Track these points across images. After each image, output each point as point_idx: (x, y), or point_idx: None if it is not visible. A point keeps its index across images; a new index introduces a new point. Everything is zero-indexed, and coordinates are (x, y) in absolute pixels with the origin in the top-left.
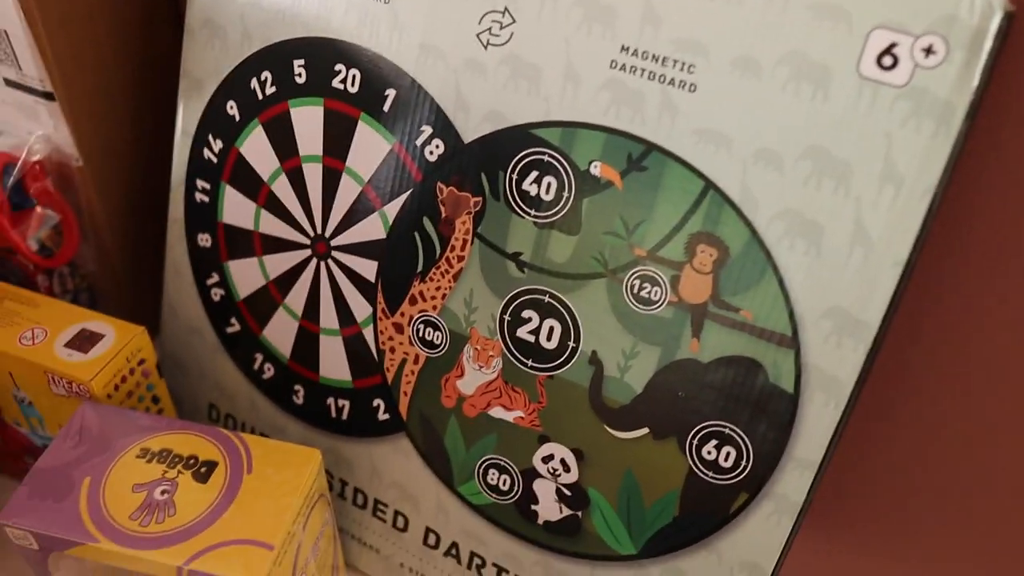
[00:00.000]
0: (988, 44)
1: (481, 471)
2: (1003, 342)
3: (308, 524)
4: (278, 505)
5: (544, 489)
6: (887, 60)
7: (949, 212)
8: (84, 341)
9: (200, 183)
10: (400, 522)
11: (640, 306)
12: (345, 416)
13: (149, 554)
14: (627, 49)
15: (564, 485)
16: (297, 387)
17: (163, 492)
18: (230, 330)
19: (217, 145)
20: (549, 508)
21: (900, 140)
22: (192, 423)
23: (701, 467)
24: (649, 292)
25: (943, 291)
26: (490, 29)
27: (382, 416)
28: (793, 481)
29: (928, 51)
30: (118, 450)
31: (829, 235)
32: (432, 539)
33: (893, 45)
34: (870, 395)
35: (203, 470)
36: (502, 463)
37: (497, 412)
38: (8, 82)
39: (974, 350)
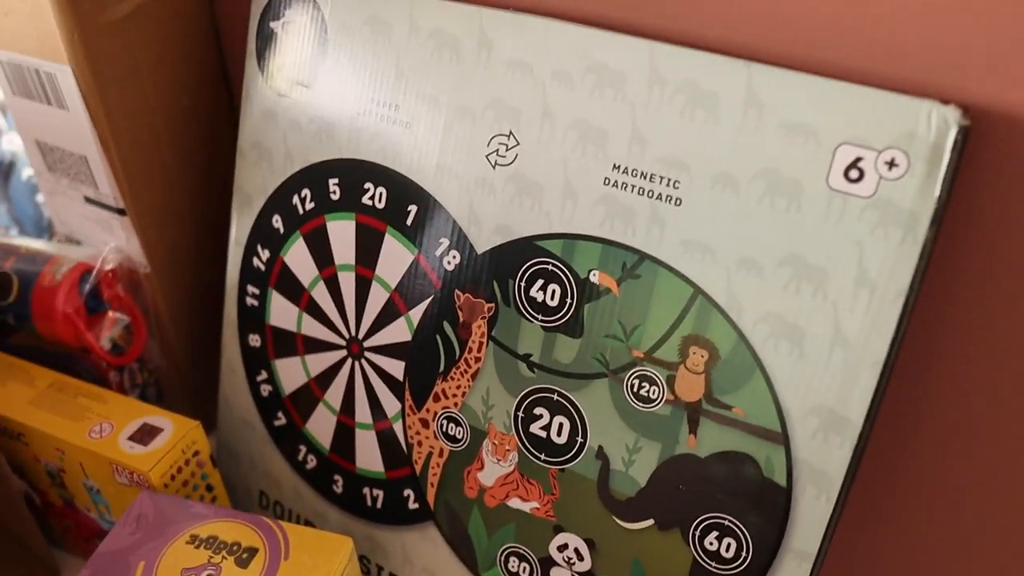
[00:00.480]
0: (946, 157)
1: (503, 559)
2: (987, 435)
3: None
4: None
5: None
6: (854, 173)
7: (927, 311)
8: (145, 435)
9: (250, 288)
10: None
11: (640, 404)
12: (379, 505)
13: None
14: (618, 167)
15: (579, 574)
16: (337, 477)
17: None
18: (277, 423)
19: (265, 254)
20: None
21: (870, 247)
22: (238, 512)
23: (705, 558)
24: (648, 391)
25: (929, 383)
26: (497, 151)
27: (412, 505)
28: (791, 572)
29: (891, 164)
30: (170, 536)
31: (810, 337)
32: None
33: (859, 159)
34: (868, 483)
35: (244, 556)
36: (521, 551)
37: (515, 503)
38: (88, 199)
39: (957, 448)
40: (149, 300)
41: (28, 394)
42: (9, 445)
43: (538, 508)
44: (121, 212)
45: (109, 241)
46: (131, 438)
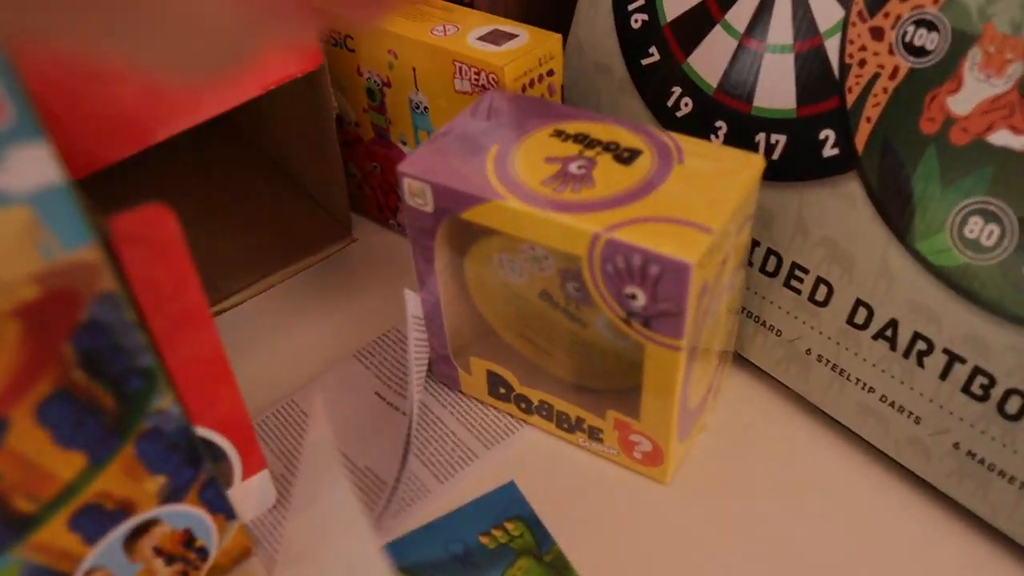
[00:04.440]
0: None
1: (958, 221)
2: None
3: (738, 239)
4: (714, 195)
5: None
6: None
7: None
8: (498, 37)
9: None
10: (820, 293)
11: None
12: (777, 155)
13: (561, 217)
14: None
15: None
16: (719, 123)
17: (580, 167)
18: (646, 61)
19: None
20: None
21: None
22: (617, 118)
23: None
24: None
25: None
26: None
27: (828, 152)
28: None
29: None
30: (531, 128)
31: None
32: (861, 316)
33: None
34: None
35: (626, 155)
36: (992, 208)
37: (1001, 137)
38: None
39: None
40: None
41: None
42: (332, 53)
43: None
44: None
45: None
46: (481, 39)
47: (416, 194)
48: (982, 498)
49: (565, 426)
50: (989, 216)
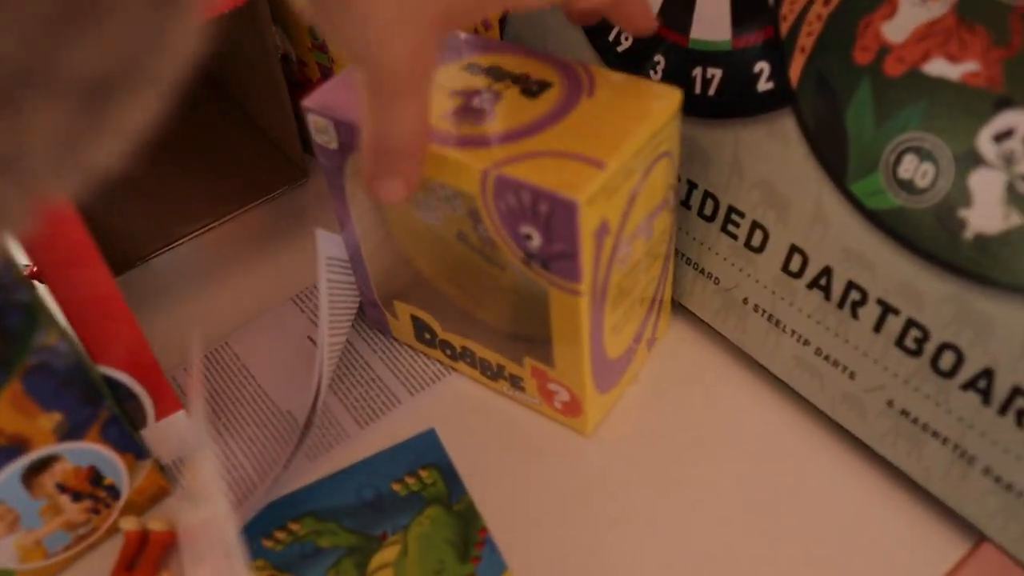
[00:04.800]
0: None
1: (892, 159)
2: None
3: (649, 178)
4: (619, 129)
5: (986, 183)
6: None
7: None
8: None
9: None
10: (756, 239)
11: None
12: (712, 91)
13: (451, 152)
14: None
15: (1022, 176)
16: (658, 58)
17: (483, 101)
18: None
19: None
20: (987, 214)
21: None
22: (536, 51)
23: None
24: None
25: None
26: None
27: (763, 86)
28: None
29: None
30: (442, 61)
31: None
32: (796, 263)
33: None
34: None
35: (534, 88)
36: (926, 146)
37: (936, 66)
38: None
39: None
40: None
41: None
42: None
43: (975, 72)
44: None
45: None
46: None
47: (321, 130)
48: (916, 460)
49: (488, 374)
50: (924, 154)
